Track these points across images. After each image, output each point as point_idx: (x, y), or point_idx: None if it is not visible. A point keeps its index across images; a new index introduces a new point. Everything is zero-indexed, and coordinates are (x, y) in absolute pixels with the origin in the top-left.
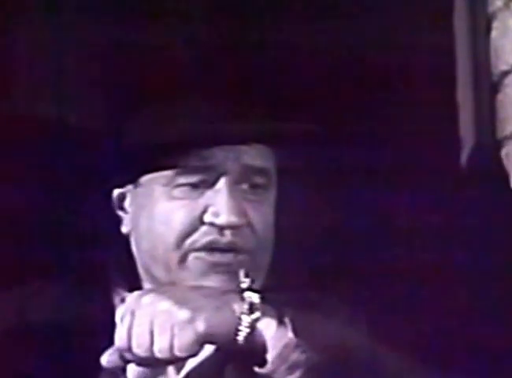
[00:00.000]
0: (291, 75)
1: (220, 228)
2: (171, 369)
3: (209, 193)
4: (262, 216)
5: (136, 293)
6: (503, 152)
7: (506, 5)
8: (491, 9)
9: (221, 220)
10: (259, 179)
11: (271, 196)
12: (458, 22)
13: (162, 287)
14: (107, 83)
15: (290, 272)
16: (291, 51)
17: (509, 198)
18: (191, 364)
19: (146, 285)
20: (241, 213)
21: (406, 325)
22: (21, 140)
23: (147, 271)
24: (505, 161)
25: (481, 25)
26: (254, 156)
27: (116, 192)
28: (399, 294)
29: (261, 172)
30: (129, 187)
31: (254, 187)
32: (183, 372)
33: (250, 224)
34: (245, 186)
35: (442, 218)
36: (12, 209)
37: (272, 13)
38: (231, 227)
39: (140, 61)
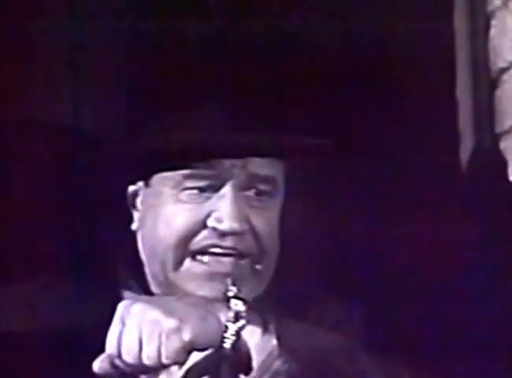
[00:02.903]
0: (301, 85)
1: (222, 234)
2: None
3: (214, 198)
4: (266, 222)
5: (126, 302)
6: (502, 146)
7: (505, 4)
8: (489, 8)
9: (224, 225)
10: (265, 187)
11: (276, 203)
12: (458, 20)
13: (151, 297)
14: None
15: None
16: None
17: (508, 191)
18: (193, 359)
19: (151, 283)
20: (244, 219)
21: (397, 334)
22: (40, 139)
23: (149, 268)
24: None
25: (480, 24)
26: (261, 164)
27: (130, 189)
28: (394, 305)
29: (266, 180)
30: (141, 185)
31: (259, 194)
32: (185, 366)
33: (253, 231)
34: (250, 192)
35: (441, 215)
36: (23, 205)
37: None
38: (233, 233)
39: (159, 69)
